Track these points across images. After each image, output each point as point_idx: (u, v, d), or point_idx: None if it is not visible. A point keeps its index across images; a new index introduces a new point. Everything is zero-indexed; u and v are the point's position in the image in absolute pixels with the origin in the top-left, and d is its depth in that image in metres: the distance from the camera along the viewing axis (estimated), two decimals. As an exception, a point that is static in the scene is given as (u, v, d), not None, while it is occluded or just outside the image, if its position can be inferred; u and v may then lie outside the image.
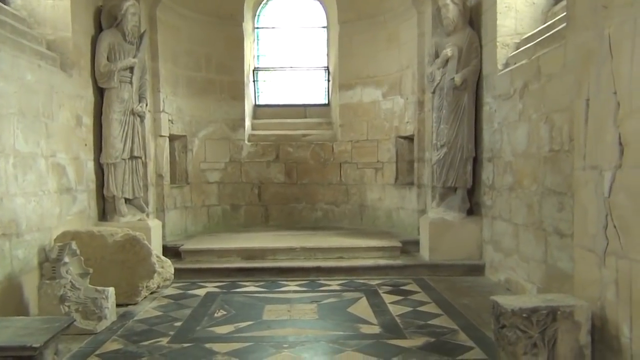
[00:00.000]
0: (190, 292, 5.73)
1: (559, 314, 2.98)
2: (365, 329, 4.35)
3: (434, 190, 6.92)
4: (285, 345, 3.95)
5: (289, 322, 4.57)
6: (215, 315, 4.84)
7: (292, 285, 5.97)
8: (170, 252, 6.88)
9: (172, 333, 4.33)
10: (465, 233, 6.53)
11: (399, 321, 4.55)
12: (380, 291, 5.65)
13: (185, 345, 4.03)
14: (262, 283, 6.08)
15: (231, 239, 7.47)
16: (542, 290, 4.90)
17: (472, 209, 6.69)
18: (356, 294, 5.52)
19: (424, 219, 6.88)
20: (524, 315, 2.98)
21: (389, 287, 5.82)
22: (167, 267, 5.77)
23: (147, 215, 6.76)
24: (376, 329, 4.35)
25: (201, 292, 5.72)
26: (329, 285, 5.98)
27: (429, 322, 4.52)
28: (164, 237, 7.27)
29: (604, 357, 3.05)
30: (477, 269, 6.41)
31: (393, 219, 8.18)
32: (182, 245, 7.00)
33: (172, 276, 5.83)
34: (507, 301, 3.10)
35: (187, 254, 6.81)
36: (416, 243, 7.09)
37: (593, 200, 3.18)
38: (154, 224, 6.69)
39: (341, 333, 4.25)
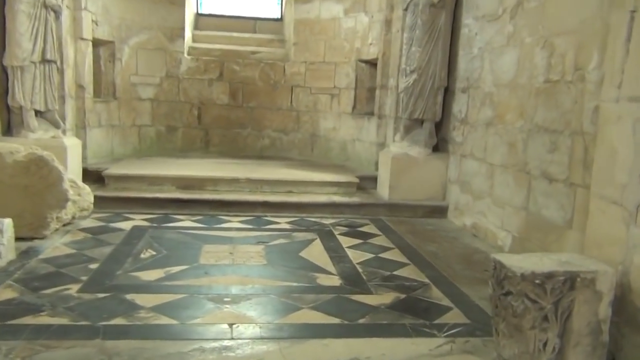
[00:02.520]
0: (113, 225, 4.85)
1: (578, 282, 2.37)
2: (323, 280, 3.67)
3: (397, 121, 6.19)
4: (226, 300, 3.21)
5: (232, 268, 3.82)
6: (142, 256, 4.02)
7: (234, 222, 5.20)
8: (92, 176, 5.91)
9: (84, 278, 3.49)
10: (429, 171, 5.91)
11: (360, 271, 3.90)
12: (335, 232, 4.98)
13: (100, 295, 3.21)
14: (199, 218, 5.27)
15: (165, 164, 6.54)
16: (518, 240, 4.37)
17: (438, 145, 6.05)
18: (309, 235, 4.83)
19: (385, 154, 6.19)
20: (537, 281, 2.36)
21: (345, 228, 5.16)
22: (85, 194, 4.83)
23: (64, 132, 5.70)
24: (336, 281, 3.68)
25: (127, 225, 4.85)
26: (278, 223, 5.25)
27: (395, 272, 3.90)
28: (84, 159, 6.25)
29: (623, 334, 2.51)
30: (440, 211, 5.85)
31: (348, 152, 7.46)
32: (106, 169, 6.02)
33: (92, 206, 4.91)
34: (514, 262, 2.46)
35: (111, 179, 5.85)
36: (373, 179, 6.43)
37: (628, 140, 2.53)
38: (72, 142, 5.65)
39: (295, 284, 3.56)
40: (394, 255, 4.36)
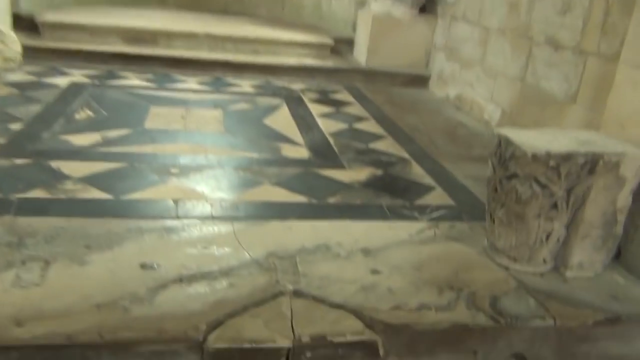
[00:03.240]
0: (46, 80, 4.16)
1: (600, 165, 1.93)
2: (289, 151, 3.18)
3: (380, -25, 5.39)
4: (173, 171, 2.71)
5: (183, 135, 3.28)
6: (77, 116, 3.42)
7: (190, 83, 4.56)
8: (26, 24, 5.07)
9: (2, 142, 2.91)
10: (413, 35, 5.27)
11: (332, 142, 3.41)
12: (305, 99, 4.42)
13: (19, 162, 2.66)
14: (149, 76, 4.60)
15: (112, 13, 5.67)
16: (509, 114, 3.92)
17: (426, 5, 5.34)
18: (275, 101, 4.26)
19: (365, 13, 5.46)
20: (552, 164, 1.91)
21: (316, 95, 4.60)
22: (11, 42, 4.08)
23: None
24: (303, 152, 3.20)
25: (62, 81, 4.17)
26: (240, 86, 4.64)
27: (371, 146, 3.43)
28: (16, 3, 5.33)
29: (637, 226, 2.14)
30: (421, 81, 5.31)
31: (322, 11, 6.65)
32: (41, 15, 5.15)
33: (19, 56, 4.18)
34: (524, 139, 2.00)
35: (47, 28, 5.02)
36: (350, 42, 5.76)
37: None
38: (-6, -20, 4.73)
39: (255, 155, 3.06)
40: (370, 126, 3.87)
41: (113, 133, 3.16)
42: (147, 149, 2.98)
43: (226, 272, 1.90)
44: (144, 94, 4.05)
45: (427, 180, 2.95)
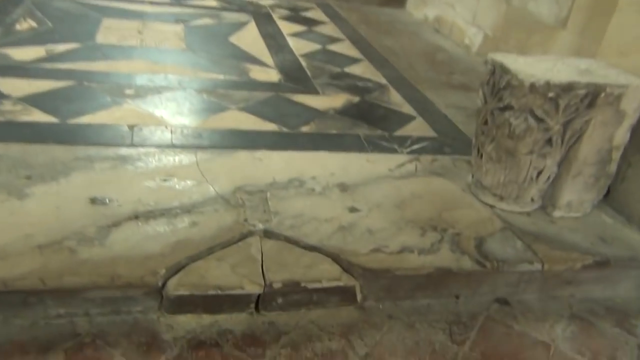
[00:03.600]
0: (-18, -16, 3.69)
1: (601, 98, 1.76)
2: (258, 74, 2.91)
3: None
4: (128, 92, 2.43)
5: (139, 52, 2.96)
6: (17, 27, 3.04)
7: (148, -7, 4.14)
8: None
9: None
10: (391, -52, 4.87)
11: (304, 65, 3.15)
12: (274, 16, 4.08)
13: (-52, 77, 2.34)
14: (102, -16, 4.15)
15: None
16: (491, 39, 3.69)
17: None
18: (241, 17, 3.91)
19: None
20: (551, 95, 1.73)
21: (287, 12, 4.25)
22: (-64, -63, 3.54)
23: None
24: (273, 75, 2.93)
25: (2, -14, 3.71)
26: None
27: (347, 70, 3.19)
28: None
29: (630, 163, 2.01)
30: (398, 0, 4.97)
31: None
32: None
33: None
34: (521, 66, 1.80)
35: None
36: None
37: None
38: None
39: (221, 77, 2.79)
40: (345, 48, 3.60)
41: (59, 47, 2.82)
42: (98, 66, 2.67)
43: (188, 209, 1.70)
44: (94, 4, 3.64)
45: (407, 108, 2.75)
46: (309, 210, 1.79)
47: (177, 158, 1.97)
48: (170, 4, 3.96)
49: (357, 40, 3.80)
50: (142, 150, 1.99)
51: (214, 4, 4.14)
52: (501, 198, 1.95)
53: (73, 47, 2.85)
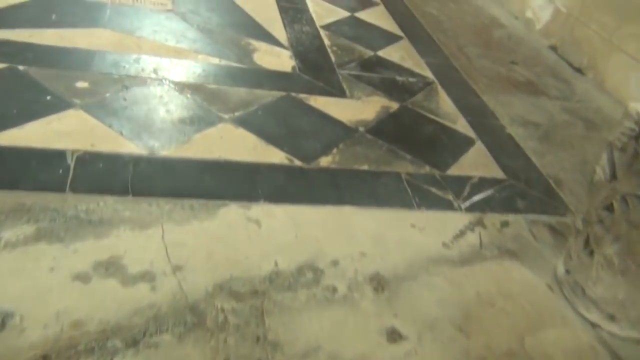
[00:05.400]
0: None
1: None
2: (264, 58, 2.16)
3: None
4: (80, 85, 1.71)
5: (108, 14, 2.19)
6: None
7: None
8: None
9: None
10: None
11: (327, 43, 2.40)
12: (291, -38, 3.25)
13: None
14: None
15: None
16: (565, 17, 2.90)
17: None
18: (250, -38, 3.09)
19: None
20: None
21: (307, -43, 3.41)
22: None
23: None
24: (285, 60, 2.19)
25: None
26: None
27: (382, 53, 2.44)
28: None
29: None
30: (442, -53, 4.09)
31: None
32: None
33: None
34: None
35: None
36: None
37: None
38: None
39: (215, 62, 2.05)
40: (379, 17, 2.82)
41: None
42: (47, 36, 1.92)
43: (133, 341, 1.05)
44: None
45: (462, 124, 2.05)
46: (327, 336, 1.15)
47: (129, 224, 1.30)
48: (161, -62, 3.12)
49: (393, 5, 3.01)
50: (80, 204, 1.31)
51: (216, -60, 3.29)
52: (612, 318, 1.31)
53: (17, 2, 2.09)
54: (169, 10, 2.33)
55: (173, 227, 1.32)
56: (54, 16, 2.06)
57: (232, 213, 1.40)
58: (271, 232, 1.37)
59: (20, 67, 1.72)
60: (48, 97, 1.62)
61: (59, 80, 1.71)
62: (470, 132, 2.00)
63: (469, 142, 1.95)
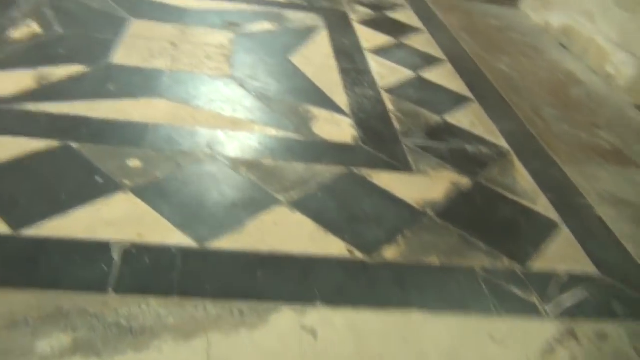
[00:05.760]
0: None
1: None
2: (324, 127, 2.04)
3: None
4: (131, 164, 1.63)
5: (165, 82, 2.14)
6: (14, 33, 2.28)
7: (198, -22, 3.31)
8: None
9: None
10: None
11: (391, 108, 2.25)
12: (352, 17, 3.16)
13: None
14: (143, -36, 3.35)
15: None
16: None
17: None
18: (309, 18, 3.02)
19: None
20: None
21: (369, 11, 3.32)
22: None
23: None
24: (346, 129, 2.05)
25: (18, -35, 2.96)
26: (265, -11, 3.37)
27: (449, 118, 2.27)
28: None
29: None
30: (510, -4, 3.93)
31: None
32: None
33: None
34: None
35: None
36: None
37: None
38: None
39: (272, 133, 1.94)
40: (445, 76, 2.66)
41: (58, 72, 2.05)
42: (102, 109, 1.88)
43: None
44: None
45: (543, 204, 1.83)
46: None
47: (173, 333, 1.18)
48: (223, -3, 3.11)
49: (460, 61, 2.85)
50: (122, 307, 1.20)
51: (278, -3, 3.26)
52: None
53: (77, 72, 2.07)
54: (226, 76, 2.26)
55: (220, 339, 1.18)
56: (111, 86, 2.02)
57: (285, 320, 1.25)
58: (328, 345, 1.21)
59: (74, 145, 1.66)
60: (98, 179, 1.55)
61: (111, 158, 1.63)
62: (552, 214, 1.79)
63: (552, 227, 1.73)
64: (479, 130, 2.21)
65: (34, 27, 2.35)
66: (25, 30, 2.32)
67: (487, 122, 2.29)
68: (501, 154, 2.08)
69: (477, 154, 2.05)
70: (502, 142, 2.16)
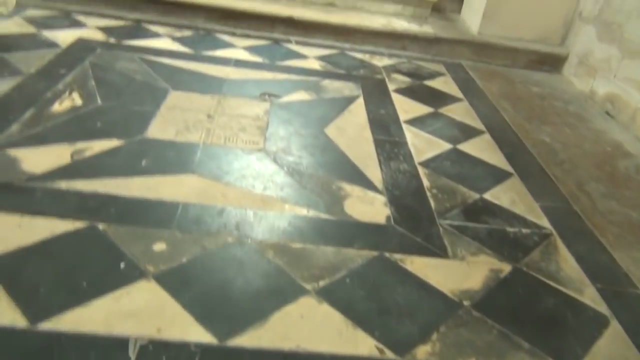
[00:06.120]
0: (46, 34, 3.09)
1: None
2: (356, 206, 1.97)
3: None
4: (157, 248, 1.60)
5: (198, 157, 2.13)
6: (56, 105, 2.34)
7: (237, 47, 3.38)
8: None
9: None
10: (550, -4, 3.77)
11: (427, 186, 2.18)
12: (390, 86, 3.15)
13: None
14: (187, 33, 3.45)
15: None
16: None
17: (574, -47, 3.80)
18: (347, 88, 3.02)
19: (485, -41, 3.97)
20: None
21: (407, 79, 3.30)
22: (-2, -20, 3.01)
23: None
24: (379, 207, 1.98)
25: (68, 37, 3.09)
26: (304, 57, 3.40)
27: (488, 195, 2.17)
28: None
29: None
30: (553, 61, 3.86)
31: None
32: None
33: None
34: None
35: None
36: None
37: None
38: None
39: (303, 212, 1.88)
40: (484, 148, 2.58)
41: (94, 146, 2.07)
42: (133, 187, 1.87)
43: None
44: (169, 65, 2.92)
45: (590, 294, 1.70)
46: None
47: None
48: (261, 65, 3.15)
49: (500, 131, 2.77)
50: (134, 412, 1.13)
51: (316, 66, 3.28)
52: None
53: (112, 147, 2.09)
54: (259, 150, 2.24)
55: None
56: (143, 162, 2.02)
57: None
58: None
59: (100, 227, 1.64)
60: (122, 265, 1.51)
61: (137, 241, 1.61)
62: (602, 307, 1.65)
63: (602, 322, 1.59)
64: (519, 209, 2.10)
65: (76, 99, 2.41)
66: (67, 102, 2.38)
67: (528, 199, 2.18)
68: (543, 235, 1.96)
69: (518, 236, 1.94)
70: (545, 222, 2.05)
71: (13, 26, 3.10)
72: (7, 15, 3.13)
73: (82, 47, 2.98)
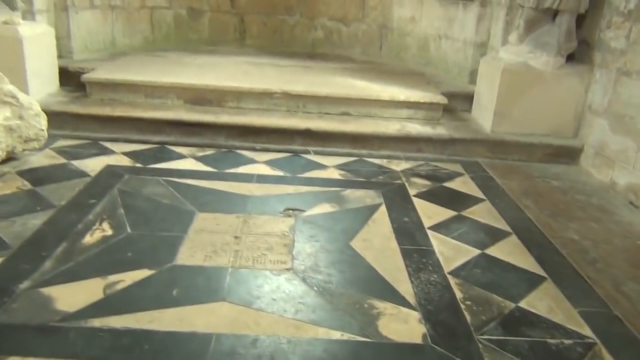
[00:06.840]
0: (76, 164, 3.23)
1: None
2: (390, 325, 1.94)
3: (513, 12, 4.09)
4: (192, 388, 1.58)
5: (228, 283, 2.14)
6: (87, 237, 2.40)
7: (259, 162, 3.48)
8: (74, 81, 4.26)
9: (-48, 301, 1.93)
10: (558, 91, 3.88)
11: (459, 297, 2.14)
12: (410, 191, 3.18)
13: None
14: (209, 152, 3.58)
15: (177, 66, 4.73)
16: None
17: (575, 51, 3.95)
18: (369, 196, 3.06)
19: (490, 63, 4.14)
20: None
21: (426, 182, 3.34)
22: (32, 117, 3.19)
23: (29, 15, 4.02)
24: (414, 325, 1.94)
25: (97, 164, 3.23)
26: (323, 167, 3.48)
27: (524, 304, 2.12)
28: (70, 53, 4.63)
29: None
30: (568, 154, 3.90)
31: (430, 53, 5.38)
32: (91, 69, 4.33)
33: (44, 134, 3.27)
34: None
35: (95, 87, 4.16)
36: (466, 97, 4.46)
37: None
38: (35, 31, 3.94)
39: (337, 336, 1.85)
40: (512, 251, 2.55)
41: (125, 278, 2.10)
42: (164, 321, 1.86)
43: None
44: (194, 186, 3.01)
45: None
46: None
47: None
48: (282, 180, 3.23)
49: (526, 232, 2.75)
50: None
51: (336, 175, 3.36)
52: None
53: (143, 277, 2.11)
54: (288, 269, 2.25)
55: None
56: (174, 291, 2.03)
57: None
58: None
59: (134, 367, 1.63)
60: (158, 408, 1.48)
61: (171, 380, 1.58)
62: None
63: None
64: (558, 317, 2.04)
65: (106, 229, 2.48)
66: (97, 233, 2.44)
67: (565, 306, 2.13)
68: (587, 346, 1.89)
69: (561, 349, 1.87)
70: (586, 330, 1.98)
71: (44, 159, 3.25)
72: (40, 148, 3.28)
73: (110, 174, 3.10)
